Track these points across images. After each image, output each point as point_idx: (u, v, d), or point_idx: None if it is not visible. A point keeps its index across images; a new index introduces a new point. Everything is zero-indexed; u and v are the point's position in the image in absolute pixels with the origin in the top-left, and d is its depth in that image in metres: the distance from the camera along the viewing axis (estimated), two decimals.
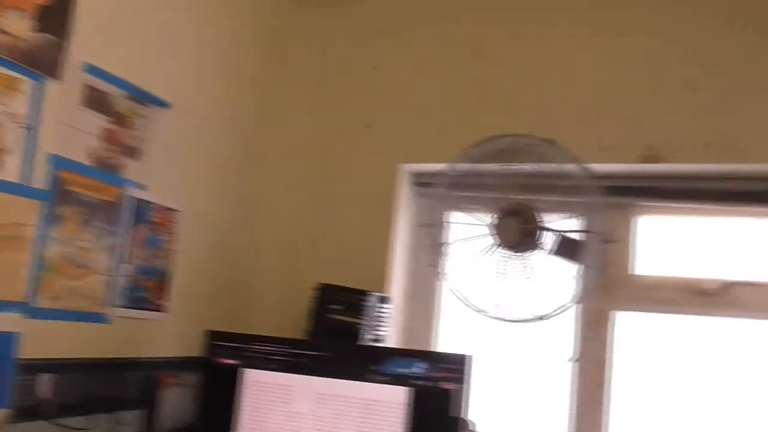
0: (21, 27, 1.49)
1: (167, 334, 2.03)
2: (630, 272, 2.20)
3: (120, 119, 1.80)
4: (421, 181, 2.39)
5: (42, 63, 1.54)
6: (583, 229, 1.75)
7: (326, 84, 2.50)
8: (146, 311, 1.93)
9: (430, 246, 1.91)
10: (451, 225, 1.93)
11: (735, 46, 2.04)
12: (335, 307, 2.05)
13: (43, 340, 1.59)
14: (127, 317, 1.86)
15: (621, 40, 2.16)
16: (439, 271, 1.90)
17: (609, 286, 2.17)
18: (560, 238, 1.75)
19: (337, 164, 2.42)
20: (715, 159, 2.01)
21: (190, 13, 2.08)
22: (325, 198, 2.41)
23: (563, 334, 2.18)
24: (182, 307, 2.07)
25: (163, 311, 1.99)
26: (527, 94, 2.22)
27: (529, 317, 1.81)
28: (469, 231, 1.86)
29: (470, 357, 1.71)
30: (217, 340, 1.91)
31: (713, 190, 2.11)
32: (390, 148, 2.36)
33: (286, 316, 2.27)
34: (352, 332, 2.03)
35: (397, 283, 2.35)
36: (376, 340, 2.10)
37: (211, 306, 2.20)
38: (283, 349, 1.86)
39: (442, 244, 1.91)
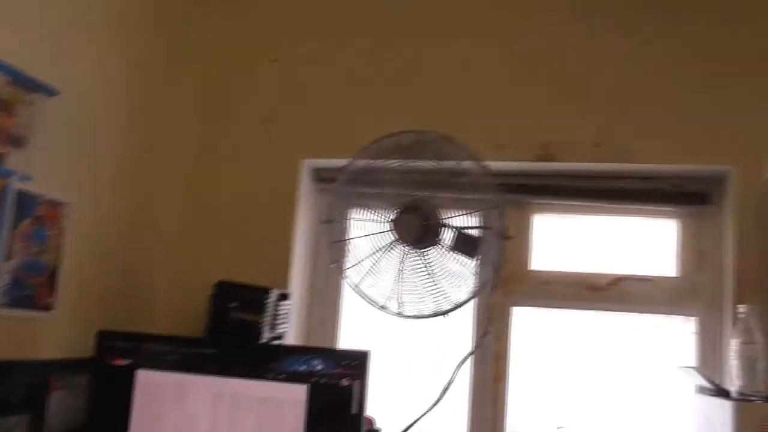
0: None
1: (56, 335, 1.92)
2: (527, 268, 2.27)
3: (1, 106, 1.69)
4: (323, 177, 2.38)
5: None
6: (481, 225, 1.78)
7: (226, 75, 2.45)
8: (31, 310, 1.83)
9: (331, 243, 1.90)
10: (352, 221, 1.92)
11: (623, 50, 2.14)
12: (234, 304, 2.01)
13: None
14: (10, 317, 1.75)
15: (517, 40, 2.23)
16: (341, 267, 1.89)
17: (507, 282, 2.23)
18: (458, 234, 1.77)
19: (238, 159, 2.37)
20: (605, 158, 2.10)
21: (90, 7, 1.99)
22: (226, 193, 2.36)
23: (464, 329, 2.22)
24: (73, 306, 1.96)
25: (51, 310, 1.89)
26: (427, 92, 2.25)
27: (428, 313, 1.82)
28: (369, 227, 1.86)
29: (369, 353, 1.71)
30: (108, 339, 1.84)
31: (603, 188, 2.20)
32: (291, 143, 2.33)
33: (186, 315, 2.21)
34: (252, 330, 1.99)
35: (298, 280, 2.32)
36: (276, 338, 2.07)
37: (105, 305, 2.10)
38: (178, 348, 1.80)
39: (343, 240, 1.90)
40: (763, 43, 2.05)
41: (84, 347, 1.87)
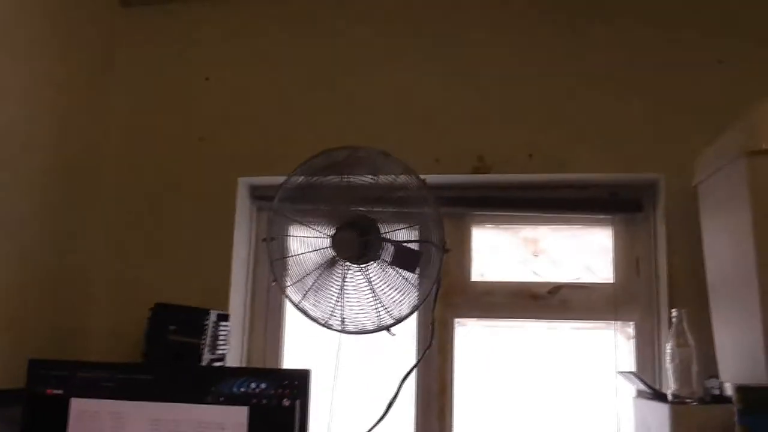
0: None
1: None
2: (468, 280, 2.28)
3: None
4: (261, 195, 2.36)
5: None
6: (420, 239, 1.78)
7: (158, 93, 2.40)
8: None
9: (272, 261, 1.88)
10: (292, 238, 1.90)
11: (553, 62, 2.19)
12: (172, 327, 1.96)
13: None
14: None
15: (449, 56, 2.24)
16: (281, 286, 1.87)
17: (448, 294, 2.24)
18: (397, 248, 1.77)
19: (172, 178, 2.32)
20: (539, 169, 2.13)
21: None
22: (161, 214, 2.31)
23: (407, 343, 2.22)
24: (1, 335, 1.89)
25: None
26: (363, 108, 2.25)
27: (372, 328, 1.81)
28: (309, 244, 1.84)
29: (310, 372, 1.69)
30: (39, 368, 1.78)
31: (539, 198, 2.23)
32: (226, 161, 2.30)
33: (123, 340, 2.16)
34: (191, 353, 1.95)
35: (238, 300, 2.29)
36: (217, 360, 2.04)
37: (36, 333, 2.02)
38: (114, 375, 1.76)
39: (283, 258, 1.88)
40: (690, 51, 2.12)
41: (14, 377, 1.81)
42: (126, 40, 2.44)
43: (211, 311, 2.00)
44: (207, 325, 1.97)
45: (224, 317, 2.07)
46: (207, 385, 1.70)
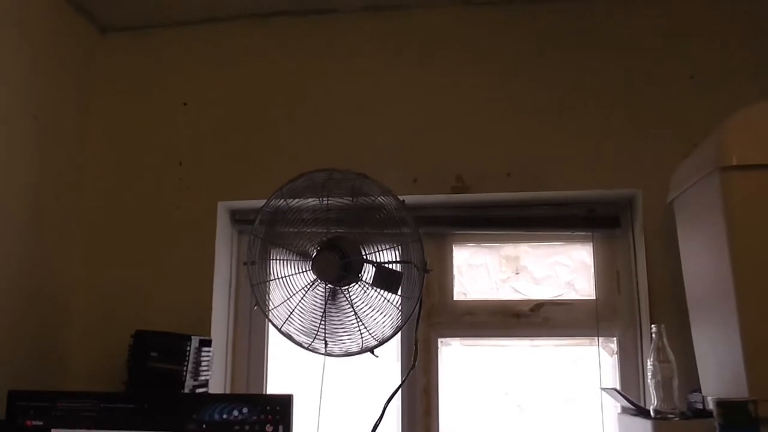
0: None
1: None
2: (450, 299, 2.29)
3: None
4: (242, 218, 2.36)
5: None
6: (401, 259, 1.79)
7: (137, 119, 2.40)
8: None
9: (253, 285, 1.87)
10: (274, 262, 1.90)
11: (530, 82, 2.21)
12: (154, 354, 1.94)
13: None
14: None
15: (427, 78, 2.27)
16: (264, 310, 1.86)
17: (431, 314, 2.24)
18: (378, 269, 1.77)
19: (152, 203, 2.32)
20: (517, 187, 2.15)
21: None
22: (142, 240, 2.29)
23: (391, 364, 2.22)
24: None
25: None
26: (341, 130, 2.27)
27: (356, 350, 1.81)
28: (290, 267, 1.84)
29: (292, 397, 1.68)
30: (19, 400, 1.76)
31: (518, 216, 2.25)
32: (206, 185, 2.30)
33: (105, 368, 2.13)
34: (173, 379, 1.93)
35: (220, 325, 2.28)
36: (199, 386, 2.02)
37: (16, 362, 1.99)
38: (95, 404, 1.73)
39: (265, 282, 1.87)
40: (662, 70, 2.15)
41: None
42: (104, 66, 2.44)
43: (193, 337, 1.98)
44: (189, 351, 1.95)
45: (206, 343, 2.06)
46: (189, 412, 1.69)
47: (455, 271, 2.31)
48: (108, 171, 2.37)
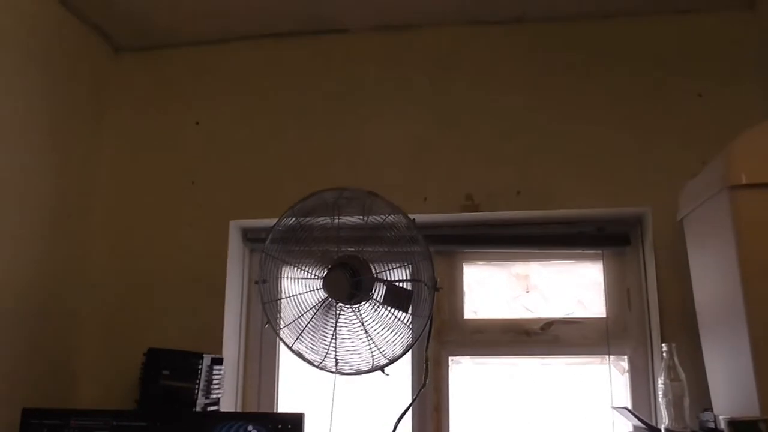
0: None
1: None
2: (461, 317, 2.29)
3: None
4: (253, 237, 2.38)
5: None
6: (411, 278, 1.80)
7: (150, 138, 2.43)
8: None
9: (264, 303, 1.88)
10: (285, 280, 1.91)
11: (539, 100, 2.23)
12: (166, 372, 1.96)
13: None
14: None
15: (438, 97, 2.29)
16: (275, 328, 1.87)
17: (442, 332, 2.24)
18: (389, 288, 1.78)
19: (165, 221, 2.34)
20: (527, 206, 2.16)
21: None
22: (154, 258, 2.31)
23: (402, 383, 2.22)
24: None
25: None
26: (352, 150, 2.29)
27: (366, 369, 1.81)
28: (301, 286, 1.85)
29: (303, 416, 1.68)
30: (33, 417, 1.78)
31: (528, 235, 2.25)
32: (218, 204, 2.32)
33: (117, 386, 2.15)
34: (185, 397, 1.95)
35: (232, 343, 2.29)
36: (211, 404, 2.03)
37: (29, 380, 2.01)
38: (108, 422, 1.75)
39: (276, 300, 1.89)
40: (671, 88, 2.16)
41: (7, 426, 1.79)
42: (118, 85, 2.48)
43: (205, 355, 2.00)
44: (200, 369, 1.97)
45: (218, 361, 2.07)
46: (201, 430, 1.70)
47: (465, 289, 2.31)
48: (121, 189, 2.40)
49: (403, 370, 2.21)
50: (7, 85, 1.99)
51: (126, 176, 2.41)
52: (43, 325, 2.11)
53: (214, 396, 2.04)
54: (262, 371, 2.35)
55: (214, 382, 2.04)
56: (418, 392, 1.97)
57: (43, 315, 2.11)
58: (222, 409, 2.10)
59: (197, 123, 2.40)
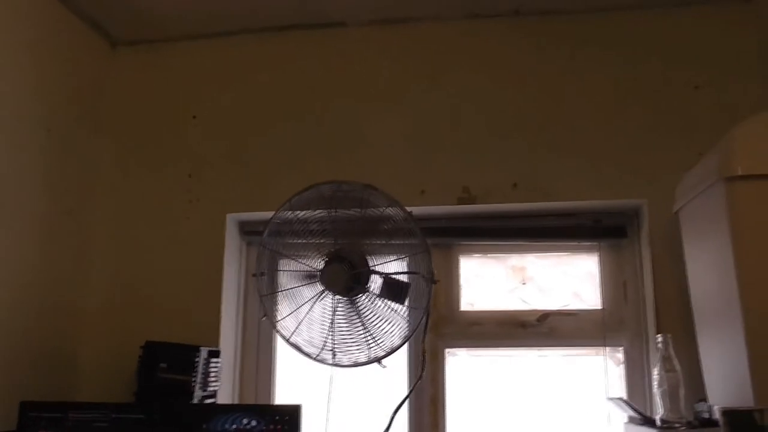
0: None
1: None
2: (457, 309, 2.30)
3: None
4: (250, 230, 2.38)
5: None
6: (408, 270, 1.80)
7: (148, 133, 2.42)
8: None
9: (261, 296, 1.88)
10: (282, 273, 1.92)
11: (535, 91, 2.23)
12: (163, 365, 1.96)
13: None
14: None
15: (434, 89, 2.29)
16: (272, 321, 1.88)
17: (438, 325, 2.25)
18: (386, 280, 1.78)
19: (162, 215, 2.34)
20: (524, 198, 2.17)
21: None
22: (152, 251, 2.32)
23: (398, 375, 2.22)
24: None
25: None
26: (348, 143, 2.29)
27: (364, 361, 1.82)
28: (298, 278, 1.85)
29: (301, 407, 1.69)
30: (31, 410, 1.78)
31: (525, 227, 2.26)
32: (215, 197, 2.32)
33: (115, 379, 2.15)
34: (183, 390, 1.95)
35: (229, 336, 2.29)
36: (208, 397, 2.03)
37: (27, 373, 2.01)
38: (106, 415, 1.75)
39: (274, 293, 1.89)
40: (667, 80, 2.17)
41: (4, 419, 1.80)
42: (115, 80, 2.47)
43: (202, 348, 2.00)
44: (198, 362, 1.97)
45: (215, 353, 2.07)
46: (198, 422, 1.70)
47: (462, 282, 2.32)
48: (118, 183, 2.40)
49: (399, 363, 2.21)
50: (4, 80, 1.98)
51: (122, 170, 2.40)
52: (41, 318, 2.11)
53: (211, 389, 2.05)
54: (259, 364, 2.35)
55: (211, 374, 2.04)
56: (415, 384, 1.98)
57: (41, 308, 2.11)
58: (219, 402, 2.11)
59: (194, 117, 2.40)
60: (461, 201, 2.19)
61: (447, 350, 2.27)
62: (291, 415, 1.69)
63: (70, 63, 2.29)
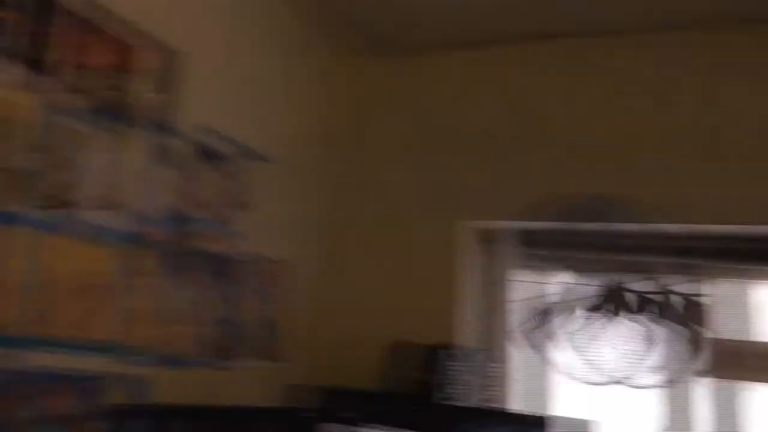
0: (139, 89, 1.63)
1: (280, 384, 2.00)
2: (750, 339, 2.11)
3: (226, 173, 1.88)
4: (487, 239, 2.37)
5: (157, 122, 1.66)
6: (693, 292, 1.69)
7: (405, 143, 2.50)
8: (262, 361, 1.90)
9: (528, 314, 1.87)
10: (553, 287, 1.88)
11: None
12: (411, 365, 2.05)
13: (169, 388, 1.55)
14: (247, 368, 1.85)
15: (709, 106, 2.09)
16: (538, 340, 1.85)
17: (731, 355, 2.07)
18: (681, 302, 1.69)
19: (408, 223, 2.41)
20: None
21: (283, 75, 2.23)
22: (396, 258, 2.40)
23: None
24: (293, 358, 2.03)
25: (277, 361, 1.94)
26: (601, 157, 2.15)
27: (651, 384, 1.75)
28: (574, 294, 1.81)
29: (545, 419, 1.68)
30: (334, 395, 1.95)
31: None
32: (456, 205, 2.34)
33: (361, 370, 2.18)
34: (428, 390, 2.01)
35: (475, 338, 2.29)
36: (486, 400, 2.06)
37: (311, 357, 2.18)
38: (398, 406, 1.89)
39: (543, 310, 1.86)
40: None
41: (281, 396, 1.96)
42: (375, 92, 2.60)
43: (485, 353, 2.08)
44: (481, 366, 2.04)
45: (491, 357, 2.13)
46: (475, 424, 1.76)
47: (751, 310, 2.12)
48: (372, 188, 2.50)
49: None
50: (287, 100, 2.24)
51: (379, 177, 2.51)
52: (322, 314, 2.31)
53: (487, 394, 2.08)
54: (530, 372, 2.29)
55: (490, 378, 2.08)
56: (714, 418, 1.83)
57: (324, 305, 2.33)
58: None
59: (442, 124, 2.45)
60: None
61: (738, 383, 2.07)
62: (539, 426, 1.68)
63: (342, 69, 2.52)
